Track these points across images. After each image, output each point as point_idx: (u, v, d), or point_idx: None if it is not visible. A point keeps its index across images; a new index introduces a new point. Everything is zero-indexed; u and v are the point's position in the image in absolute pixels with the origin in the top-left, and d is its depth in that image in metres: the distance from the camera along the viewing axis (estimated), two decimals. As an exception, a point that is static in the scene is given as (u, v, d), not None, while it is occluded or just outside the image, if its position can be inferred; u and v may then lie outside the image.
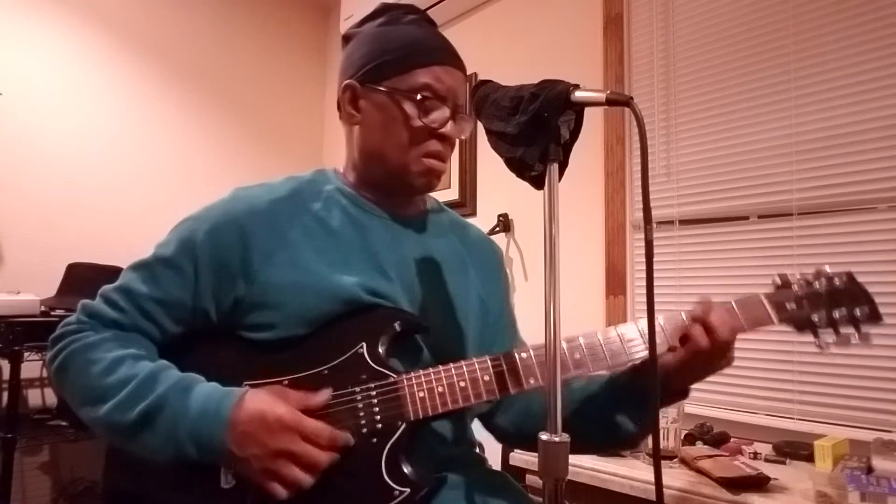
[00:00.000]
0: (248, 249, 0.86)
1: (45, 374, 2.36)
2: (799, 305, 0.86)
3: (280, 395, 0.79)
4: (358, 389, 0.82)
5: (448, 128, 0.92)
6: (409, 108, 0.90)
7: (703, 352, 0.82)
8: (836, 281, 0.86)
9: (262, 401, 0.77)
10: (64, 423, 2.10)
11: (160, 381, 0.80)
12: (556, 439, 0.66)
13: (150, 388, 0.79)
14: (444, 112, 0.91)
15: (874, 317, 0.84)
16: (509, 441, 1.07)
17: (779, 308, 0.86)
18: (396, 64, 0.91)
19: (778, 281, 0.89)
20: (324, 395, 0.81)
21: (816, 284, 0.87)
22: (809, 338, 0.86)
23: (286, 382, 0.83)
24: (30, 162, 2.40)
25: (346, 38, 1.00)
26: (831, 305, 0.85)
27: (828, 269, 0.87)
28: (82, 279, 2.19)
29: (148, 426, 0.78)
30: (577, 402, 0.93)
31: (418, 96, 0.89)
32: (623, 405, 0.90)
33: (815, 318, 0.85)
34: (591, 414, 0.92)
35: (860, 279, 0.87)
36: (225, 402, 0.77)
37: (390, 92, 0.91)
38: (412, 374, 0.83)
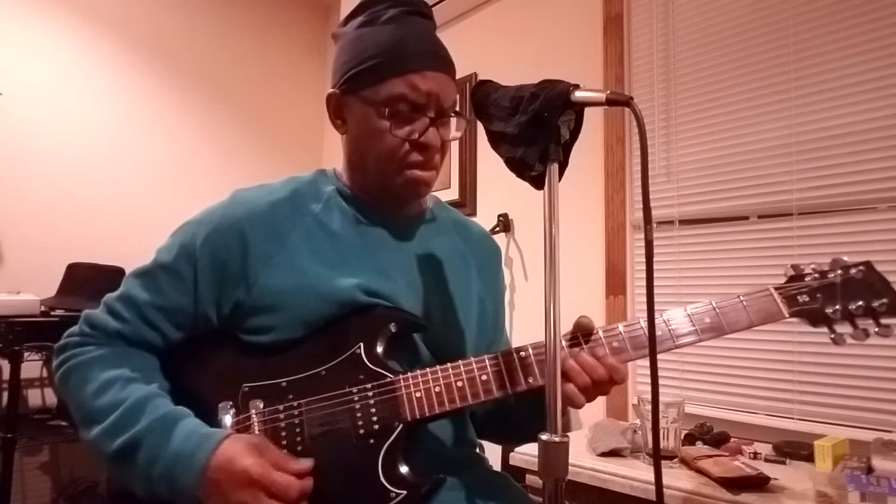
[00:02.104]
0: (247, 252, 0.86)
1: (45, 373, 2.36)
2: (812, 298, 0.82)
3: (258, 445, 0.76)
4: (355, 390, 0.82)
5: (429, 136, 0.88)
6: (383, 122, 0.87)
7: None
8: (854, 271, 0.82)
9: (235, 450, 0.74)
10: (64, 423, 2.10)
11: (145, 413, 0.78)
12: (556, 439, 0.66)
13: (133, 420, 0.77)
14: (423, 122, 0.88)
15: (895, 309, 0.80)
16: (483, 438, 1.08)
17: (790, 301, 0.82)
18: (369, 74, 0.87)
19: (791, 272, 0.85)
20: (306, 463, 0.78)
21: (831, 275, 0.83)
22: (811, 337, 0.84)
23: (285, 384, 0.83)
24: (30, 162, 2.40)
25: (334, 39, 0.98)
26: (847, 298, 0.81)
27: (845, 258, 0.83)
28: (82, 279, 2.19)
29: (126, 460, 0.77)
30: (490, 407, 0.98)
31: (387, 110, 0.86)
32: (528, 411, 0.89)
33: (830, 310, 0.81)
34: (500, 417, 1.00)
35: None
36: (201, 448, 0.75)
37: (365, 104, 0.89)
38: (409, 374, 0.83)
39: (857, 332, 0.81)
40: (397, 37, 0.88)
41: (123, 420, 0.78)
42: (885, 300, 0.80)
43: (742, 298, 0.83)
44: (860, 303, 0.80)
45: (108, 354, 0.85)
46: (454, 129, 0.95)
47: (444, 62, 0.90)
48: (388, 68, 0.87)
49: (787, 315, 0.82)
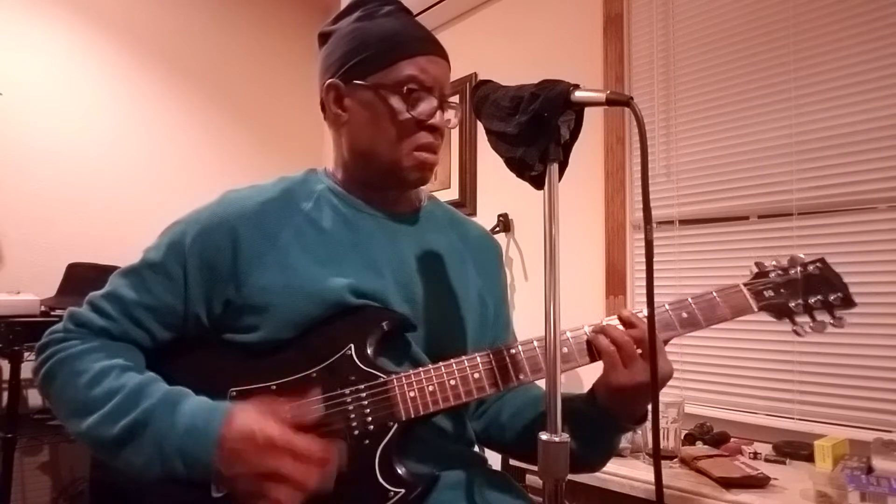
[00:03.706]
0: (237, 252, 0.85)
1: (45, 374, 2.36)
2: (777, 293, 0.87)
3: (270, 412, 0.77)
4: (348, 391, 0.81)
5: (437, 118, 0.90)
6: (396, 101, 0.89)
7: (616, 361, 0.80)
8: (811, 268, 0.88)
9: (251, 418, 0.74)
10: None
11: (146, 394, 0.78)
12: (556, 439, 0.65)
13: (135, 402, 0.77)
14: (432, 103, 0.90)
15: (848, 302, 0.86)
16: (479, 442, 1.06)
17: (758, 296, 0.87)
18: (378, 58, 0.89)
19: (755, 269, 0.90)
20: (315, 412, 0.79)
21: (792, 271, 0.88)
22: (811, 337, 0.87)
23: (275, 387, 0.82)
24: (30, 162, 2.40)
25: (323, 37, 0.98)
26: (807, 292, 0.86)
27: (802, 255, 0.89)
28: (82, 279, 2.19)
29: (132, 441, 0.75)
30: (528, 421, 0.93)
31: (404, 89, 0.88)
32: (574, 430, 0.87)
33: (793, 304, 0.86)
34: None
35: (860, 278, 0.87)
36: (213, 419, 0.75)
37: (375, 87, 0.89)
38: (402, 373, 0.83)
39: (816, 325, 0.86)
40: (400, 26, 0.92)
41: (125, 404, 0.77)
42: (839, 294, 0.86)
43: (715, 294, 0.87)
44: (819, 297, 0.86)
45: (98, 347, 0.83)
46: (452, 117, 0.96)
47: (444, 51, 0.94)
48: (399, 52, 0.89)
49: (756, 309, 0.87)
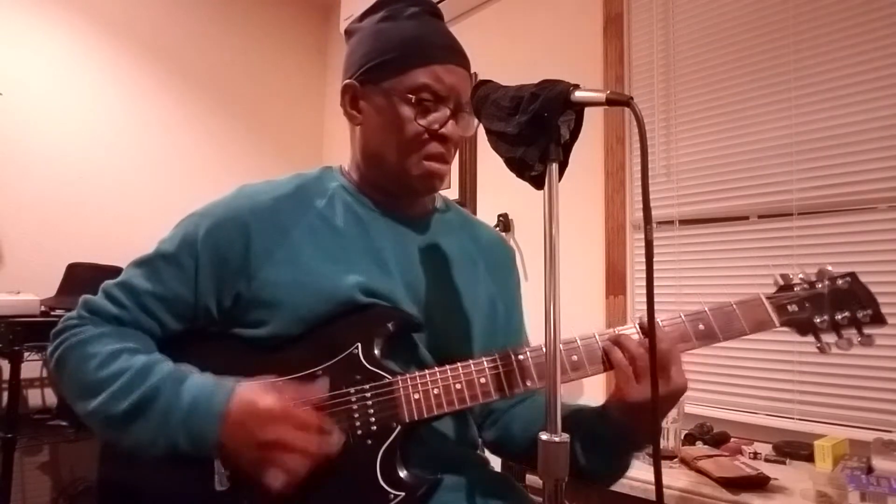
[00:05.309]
0: (249, 246, 0.86)
1: (45, 373, 2.36)
2: (801, 308, 0.83)
3: (273, 388, 0.79)
4: (352, 390, 0.81)
5: (448, 128, 0.90)
6: (407, 109, 0.88)
7: (630, 375, 0.79)
8: (840, 282, 0.84)
9: (253, 392, 0.77)
10: (64, 423, 2.10)
11: (154, 372, 0.80)
12: (556, 439, 0.65)
13: (143, 380, 0.79)
14: (444, 113, 0.89)
15: (878, 319, 0.82)
16: (488, 450, 1.06)
17: (780, 310, 0.83)
18: (394, 64, 0.89)
19: (780, 281, 0.86)
20: (319, 391, 0.80)
21: (819, 285, 0.84)
22: (810, 339, 0.84)
23: (280, 383, 0.82)
24: (30, 162, 2.39)
25: (348, 34, 0.98)
26: (834, 308, 0.82)
27: (830, 268, 0.85)
28: (82, 279, 2.19)
29: (140, 416, 0.77)
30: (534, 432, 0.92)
31: (413, 98, 0.88)
32: (586, 447, 0.85)
33: (818, 320, 0.82)
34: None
35: (860, 278, 0.85)
36: (217, 394, 0.77)
37: (388, 93, 0.89)
38: (408, 375, 0.83)
39: (840, 342, 0.82)
40: (422, 31, 0.91)
41: (133, 381, 0.79)
42: (869, 311, 0.82)
43: (735, 306, 0.83)
44: (846, 313, 0.82)
45: (109, 332, 0.85)
46: (467, 126, 0.94)
47: (465, 59, 0.93)
48: (414, 59, 0.88)
49: (777, 324, 0.83)
